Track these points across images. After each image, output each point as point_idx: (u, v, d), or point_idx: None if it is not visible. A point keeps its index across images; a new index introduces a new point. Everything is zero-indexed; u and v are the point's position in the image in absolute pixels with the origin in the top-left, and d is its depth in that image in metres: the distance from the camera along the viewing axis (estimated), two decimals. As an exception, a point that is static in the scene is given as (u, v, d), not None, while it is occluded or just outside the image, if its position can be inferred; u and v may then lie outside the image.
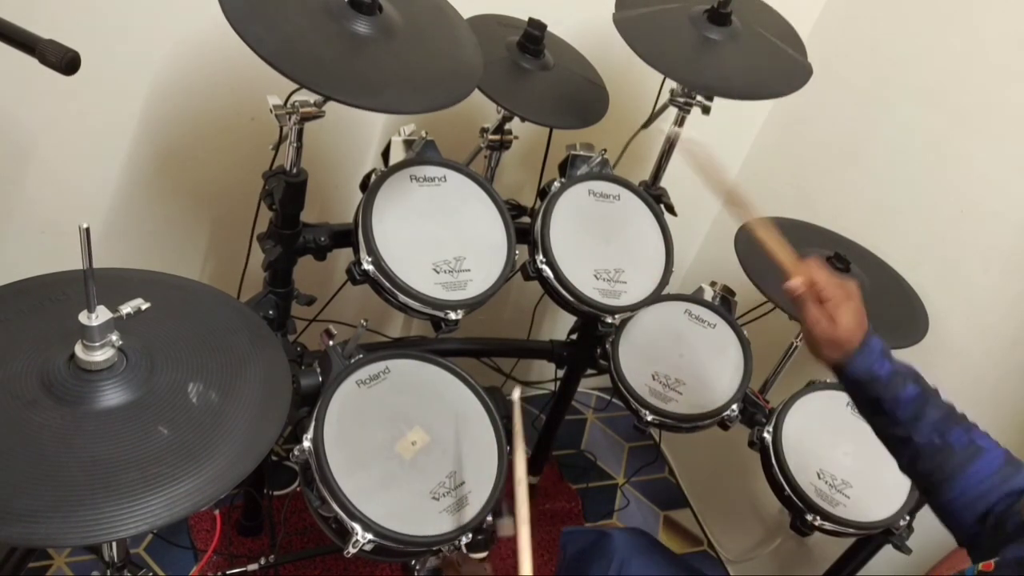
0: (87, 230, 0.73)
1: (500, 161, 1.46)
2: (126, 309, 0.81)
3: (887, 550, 1.36)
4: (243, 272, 1.41)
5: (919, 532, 1.33)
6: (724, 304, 1.52)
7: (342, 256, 1.31)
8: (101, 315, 0.78)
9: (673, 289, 1.47)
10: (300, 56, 0.95)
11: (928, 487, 0.92)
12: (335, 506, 1.02)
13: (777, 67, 1.33)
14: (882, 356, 0.92)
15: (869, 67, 1.65)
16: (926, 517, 1.35)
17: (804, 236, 1.55)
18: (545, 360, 1.73)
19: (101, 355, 0.79)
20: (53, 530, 0.69)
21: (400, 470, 1.09)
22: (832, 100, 1.71)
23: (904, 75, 1.57)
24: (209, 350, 0.88)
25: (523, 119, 1.30)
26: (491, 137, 1.39)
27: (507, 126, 1.39)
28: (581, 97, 1.40)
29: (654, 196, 1.47)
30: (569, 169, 1.40)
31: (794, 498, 1.30)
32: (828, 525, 1.27)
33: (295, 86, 1.00)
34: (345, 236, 1.25)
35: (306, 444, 1.04)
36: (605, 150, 1.43)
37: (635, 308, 1.36)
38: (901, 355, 1.50)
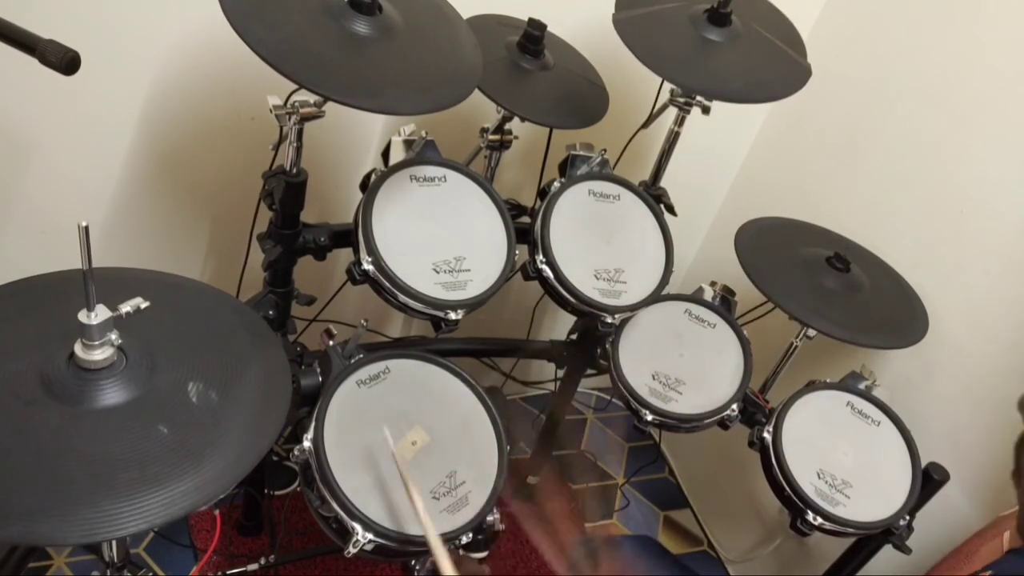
0: (86, 229, 0.73)
1: (500, 161, 1.46)
2: (125, 308, 0.81)
3: (887, 550, 1.36)
4: (242, 272, 1.41)
5: (919, 532, 1.33)
6: (724, 304, 1.52)
7: (342, 256, 1.31)
8: (100, 314, 0.78)
9: (673, 289, 1.47)
10: (300, 56, 0.95)
11: None
12: (335, 506, 1.02)
13: (776, 69, 1.33)
14: None
15: (869, 67, 1.65)
16: (926, 517, 1.36)
17: (804, 236, 1.55)
18: (545, 360, 1.73)
19: (101, 354, 0.79)
20: (53, 529, 0.69)
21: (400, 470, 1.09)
22: (832, 100, 1.71)
23: (904, 75, 1.57)
24: (209, 350, 0.89)
25: (523, 119, 1.30)
26: (491, 137, 1.39)
27: (507, 126, 1.39)
28: (581, 97, 1.40)
29: (654, 196, 1.47)
30: (569, 169, 1.40)
31: (794, 498, 1.30)
32: (828, 525, 1.27)
33: (295, 86, 1.00)
34: (345, 236, 1.25)
35: (306, 444, 1.04)
36: (605, 150, 1.43)
37: (635, 308, 1.36)
38: (901, 355, 1.52)
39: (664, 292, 1.39)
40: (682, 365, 1.45)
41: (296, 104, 1.09)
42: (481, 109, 1.34)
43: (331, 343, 1.15)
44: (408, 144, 1.28)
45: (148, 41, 1.31)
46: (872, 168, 1.63)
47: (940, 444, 1.42)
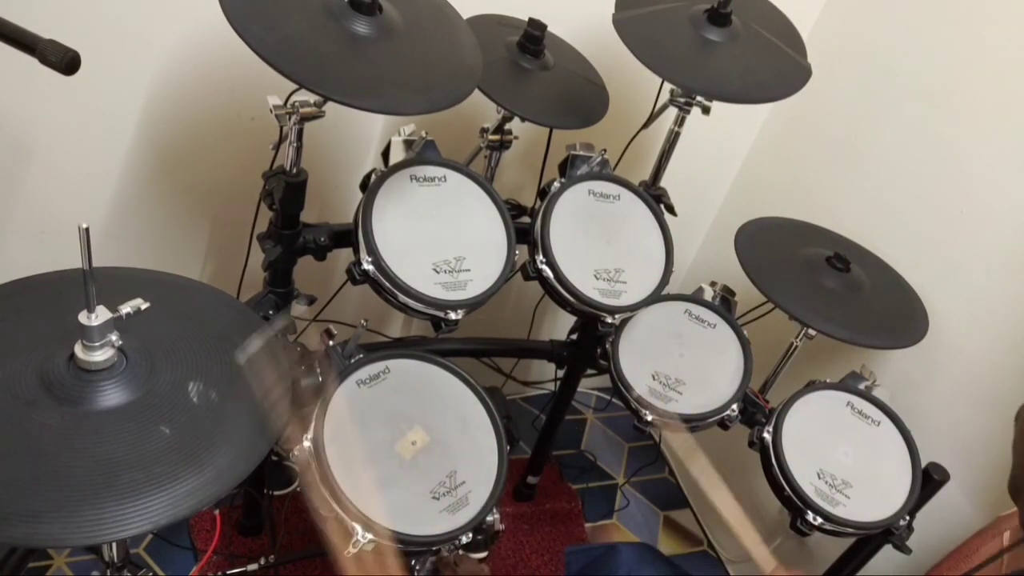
0: (87, 230, 0.73)
1: (500, 161, 1.46)
2: (126, 309, 0.81)
3: (887, 550, 1.36)
4: (243, 272, 1.41)
5: (919, 532, 1.33)
6: (724, 304, 1.52)
7: (342, 256, 1.31)
8: (101, 315, 0.78)
9: (673, 289, 1.47)
10: (300, 56, 0.95)
11: None
12: (335, 506, 1.02)
13: (776, 69, 1.33)
14: None
15: (869, 67, 1.65)
16: (926, 517, 1.36)
17: (804, 236, 1.55)
18: (545, 360, 1.73)
19: (101, 355, 0.79)
20: (54, 530, 0.69)
21: (400, 470, 1.09)
22: (832, 100, 1.71)
23: (904, 75, 1.56)
24: (209, 350, 0.89)
25: (523, 119, 1.30)
26: (491, 137, 1.39)
27: (507, 126, 1.39)
28: (581, 97, 1.40)
29: (654, 196, 1.47)
30: (569, 169, 1.40)
31: (794, 498, 1.30)
32: (828, 525, 1.27)
33: (295, 86, 1.00)
34: (345, 236, 1.25)
35: (306, 444, 1.04)
36: (605, 150, 1.43)
37: (635, 308, 1.36)
38: (901, 355, 1.52)
39: (664, 292, 1.39)
40: (682, 365, 1.45)
41: (296, 104, 1.09)
42: (481, 109, 1.34)
43: (331, 343, 1.15)
44: (408, 144, 1.28)
45: (148, 41, 1.31)
46: (872, 168, 1.63)
47: (940, 444, 1.42)
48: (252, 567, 1.53)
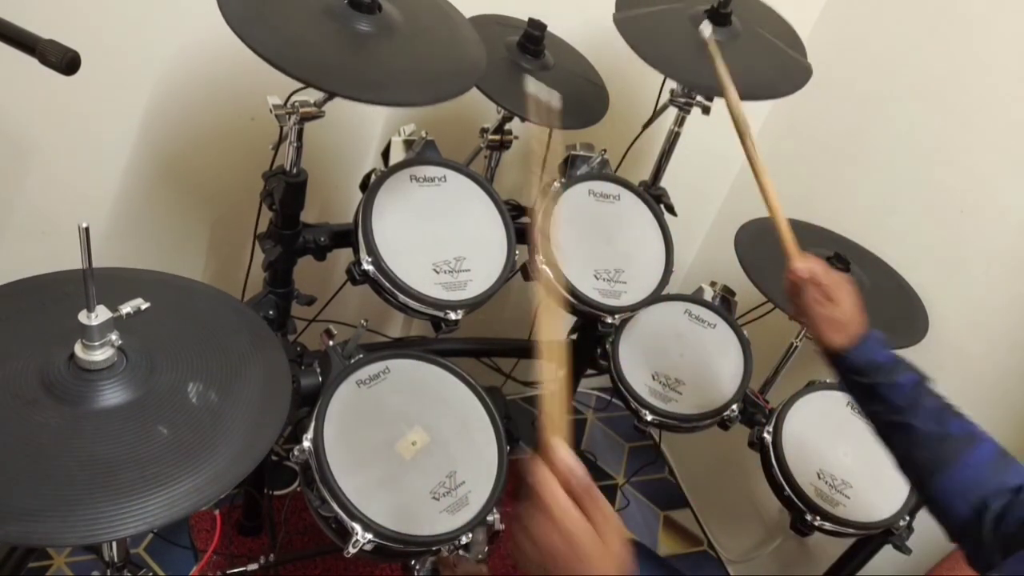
0: (87, 230, 0.73)
1: (500, 161, 1.46)
2: (126, 309, 0.81)
3: (887, 550, 1.36)
4: (247, 272, 1.41)
5: (919, 532, 1.33)
6: (724, 304, 1.52)
7: (342, 256, 1.31)
8: (101, 315, 0.78)
9: (673, 289, 1.47)
10: (303, 55, 0.96)
11: (924, 476, 0.93)
12: (335, 506, 1.02)
13: (777, 68, 1.33)
14: (883, 345, 0.96)
15: (869, 67, 1.65)
16: (926, 517, 1.36)
17: (804, 236, 1.53)
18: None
19: (101, 355, 0.79)
20: (52, 529, 0.69)
21: (400, 470, 1.09)
22: (832, 100, 1.71)
23: (904, 75, 1.56)
24: (209, 350, 0.89)
25: (523, 119, 1.30)
26: (491, 137, 1.39)
27: (507, 126, 1.39)
28: (581, 97, 1.40)
29: (654, 196, 1.47)
30: (569, 169, 1.40)
31: (794, 498, 1.30)
32: (828, 525, 1.27)
33: (295, 86, 1.00)
34: (345, 236, 1.25)
35: (306, 444, 1.04)
36: (605, 150, 1.43)
37: (635, 308, 1.36)
38: (901, 355, 1.51)
39: (664, 292, 1.39)
40: (682, 365, 1.45)
41: (296, 104, 1.09)
42: (481, 109, 1.34)
43: (331, 343, 1.15)
44: (408, 144, 1.28)
45: (148, 41, 1.31)
46: (872, 168, 1.63)
47: (940, 444, 1.42)
48: (252, 567, 1.53)
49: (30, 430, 0.75)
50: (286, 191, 1.18)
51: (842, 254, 1.40)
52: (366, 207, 1.18)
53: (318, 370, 1.14)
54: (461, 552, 1.09)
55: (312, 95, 1.07)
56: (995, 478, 0.86)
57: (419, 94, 1.04)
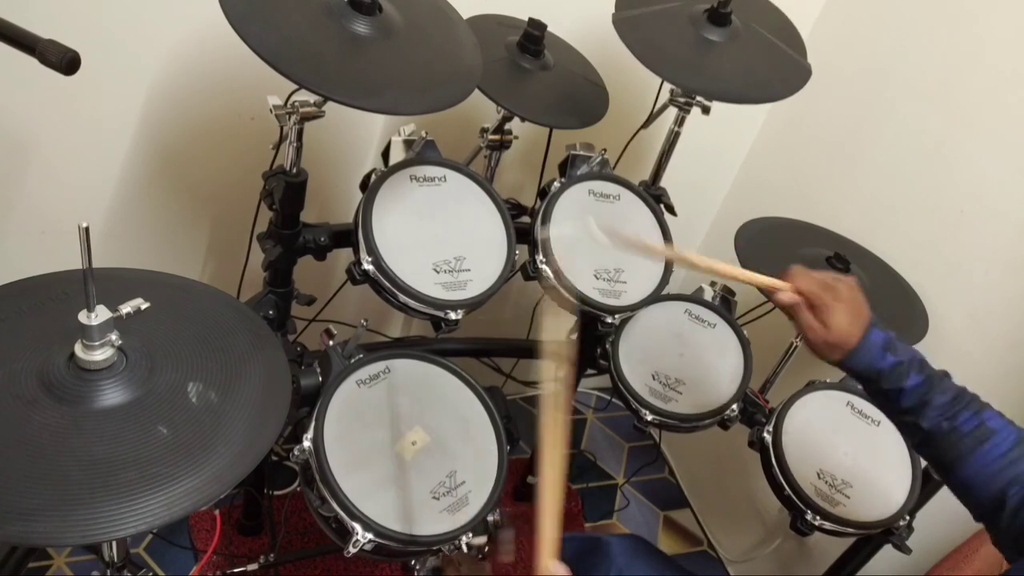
0: (86, 229, 0.73)
1: (500, 161, 1.46)
2: (126, 309, 0.81)
3: (887, 550, 1.36)
4: (243, 272, 1.41)
5: (919, 532, 1.33)
6: (724, 304, 1.52)
7: (342, 256, 1.31)
8: (101, 315, 0.78)
9: (673, 289, 1.47)
10: (300, 56, 0.95)
11: (939, 471, 0.95)
12: (335, 506, 1.02)
13: (776, 68, 1.33)
14: (883, 350, 0.95)
15: (869, 67, 1.65)
16: (926, 517, 1.36)
17: (804, 236, 1.55)
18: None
19: (101, 355, 0.79)
20: (52, 529, 0.69)
21: (400, 470, 1.09)
22: (832, 100, 1.71)
23: (904, 75, 1.56)
24: (209, 350, 0.88)
25: (523, 119, 1.30)
26: (491, 137, 1.39)
27: (507, 126, 1.39)
28: (581, 97, 1.40)
29: (654, 196, 1.47)
30: (569, 169, 1.40)
31: (794, 498, 1.30)
32: (828, 525, 1.27)
33: (295, 86, 1.00)
34: (345, 236, 1.25)
35: (306, 444, 1.04)
36: (605, 150, 1.43)
37: (635, 308, 1.36)
38: (912, 349, 1.51)
39: (664, 292, 1.39)
40: (682, 365, 1.45)
41: (296, 104, 1.09)
42: (481, 109, 1.34)
43: (331, 343, 1.15)
44: (408, 144, 1.28)
45: (148, 41, 1.31)
46: (872, 168, 1.63)
47: (940, 444, 1.42)
48: (252, 567, 1.53)
49: (30, 430, 0.75)
50: (286, 191, 1.18)
51: (842, 254, 1.40)
52: (366, 207, 1.18)
53: (318, 370, 1.14)
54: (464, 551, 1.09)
55: (312, 95, 1.07)
56: (1010, 469, 0.86)
57: (414, 103, 1.03)
